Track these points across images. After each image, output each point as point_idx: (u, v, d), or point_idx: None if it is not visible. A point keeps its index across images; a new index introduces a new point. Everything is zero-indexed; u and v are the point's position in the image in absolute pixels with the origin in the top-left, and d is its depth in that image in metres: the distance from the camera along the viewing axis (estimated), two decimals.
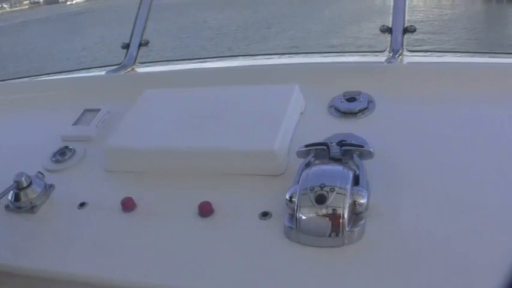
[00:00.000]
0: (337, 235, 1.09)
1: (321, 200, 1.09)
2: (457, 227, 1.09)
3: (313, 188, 1.11)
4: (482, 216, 1.11)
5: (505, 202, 1.13)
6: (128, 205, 1.30)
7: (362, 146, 1.23)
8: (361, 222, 1.11)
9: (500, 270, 0.99)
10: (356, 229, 1.10)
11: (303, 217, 1.11)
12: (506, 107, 1.40)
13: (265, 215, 1.21)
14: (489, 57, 1.98)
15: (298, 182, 1.15)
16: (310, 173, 1.15)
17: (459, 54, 1.96)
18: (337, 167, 1.16)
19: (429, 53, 1.97)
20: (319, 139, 1.33)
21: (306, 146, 1.24)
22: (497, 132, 1.32)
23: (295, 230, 1.12)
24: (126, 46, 1.99)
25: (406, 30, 1.72)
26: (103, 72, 1.95)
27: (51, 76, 2.20)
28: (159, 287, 1.14)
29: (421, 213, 1.14)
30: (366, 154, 1.22)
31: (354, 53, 2.00)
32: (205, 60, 2.05)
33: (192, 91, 1.59)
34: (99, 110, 1.68)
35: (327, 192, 1.09)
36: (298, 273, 1.07)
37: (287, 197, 1.14)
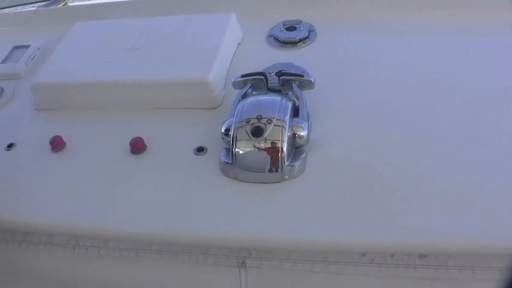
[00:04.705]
0: (276, 170, 0.96)
1: (257, 132, 0.95)
2: (399, 158, 0.98)
3: (250, 120, 0.96)
4: (422, 146, 0.99)
5: (446, 133, 1.01)
6: (56, 144, 1.14)
7: (302, 76, 1.08)
8: (302, 156, 0.98)
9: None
10: (296, 163, 0.97)
11: (240, 151, 0.97)
12: (455, 37, 1.26)
13: (200, 150, 1.06)
14: None
15: (234, 115, 1.00)
16: (246, 104, 1.00)
17: None
18: (275, 97, 1.02)
19: None
20: (258, 70, 1.18)
21: (243, 76, 1.09)
22: (445, 63, 1.18)
23: (231, 165, 0.98)
24: None
25: None
26: (33, 8, 1.73)
27: None
28: (90, 229, 1.00)
29: (363, 145, 1.01)
30: (306, 84, 1.07)
31: None
32: None
33: (124, 22, 1.40)
34: (28, 46, 1.49)
35: (264, 124, 0.95)
36: (236, 211, 0.94)
37: (222, 130, 1.00)
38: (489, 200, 0.87)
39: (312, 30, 1.33)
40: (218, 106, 1.16)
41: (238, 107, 1.01)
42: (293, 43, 1.31)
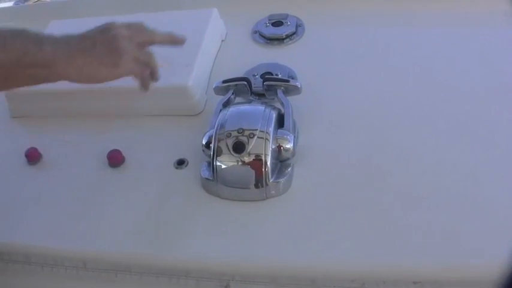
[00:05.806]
0: (261, 187, 0.88)
1: (239, 148, 0.87)
2: (394, 171, 0.90)
3: (230, 134, 0.89)
4: (416, 156, 0.92)
5: (448, 140, 0.94)
6: (32, 157, 1.07)
7: (287, 81, 1.00)
8: (288, 171, 0.91)
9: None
10: (282, 179, 0.89)
11: (222, 166, 0.89)
12: (447, 27, 1.18)
13: (181, 163, 0.99)
14: None
15: (214, 126, 0.92)
16: (228, 115, 0.92)
17: None
18: (257, 107, 0.94)
19: None
20: (243, 70, 1.12)
21: (224, 81, 1.01)
22: (439, 56, 1.10)
23: (213, 182, 0.91)
24: None
25: None
26: (11, 3, 1.65)
27: None
28: (66, 251, 0.94)
29: (355, 156, 0.94)
30: (292, 89, 0.99)
31: None
32: None
33: (98, 21, 1.31)
34: None
35: (247, 137, 0.88)
36: (217, 233, 0.87)
37: (203, 142, 0.93)
38: (491, 224, 0.80)
39: (300, 25, 1.25)
40: (200, 112, 1.09)
41: (219, 117, 0.93)
42: (279, 40, 1.22)
